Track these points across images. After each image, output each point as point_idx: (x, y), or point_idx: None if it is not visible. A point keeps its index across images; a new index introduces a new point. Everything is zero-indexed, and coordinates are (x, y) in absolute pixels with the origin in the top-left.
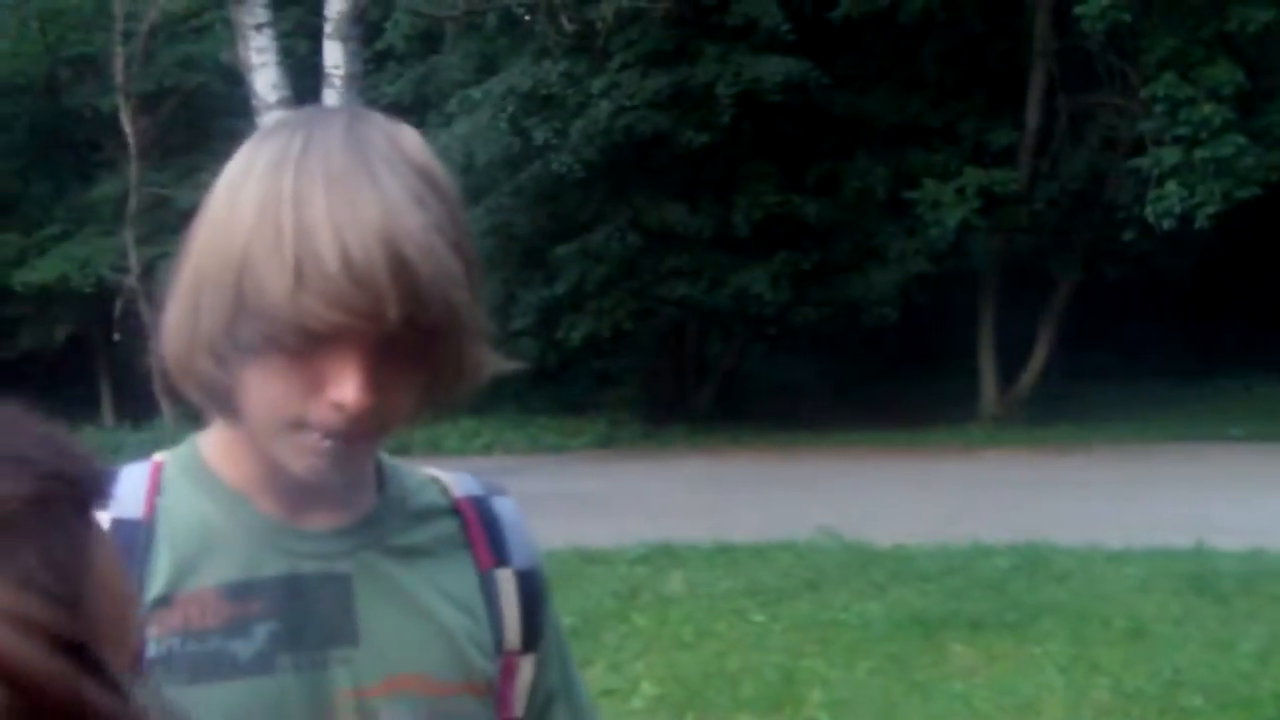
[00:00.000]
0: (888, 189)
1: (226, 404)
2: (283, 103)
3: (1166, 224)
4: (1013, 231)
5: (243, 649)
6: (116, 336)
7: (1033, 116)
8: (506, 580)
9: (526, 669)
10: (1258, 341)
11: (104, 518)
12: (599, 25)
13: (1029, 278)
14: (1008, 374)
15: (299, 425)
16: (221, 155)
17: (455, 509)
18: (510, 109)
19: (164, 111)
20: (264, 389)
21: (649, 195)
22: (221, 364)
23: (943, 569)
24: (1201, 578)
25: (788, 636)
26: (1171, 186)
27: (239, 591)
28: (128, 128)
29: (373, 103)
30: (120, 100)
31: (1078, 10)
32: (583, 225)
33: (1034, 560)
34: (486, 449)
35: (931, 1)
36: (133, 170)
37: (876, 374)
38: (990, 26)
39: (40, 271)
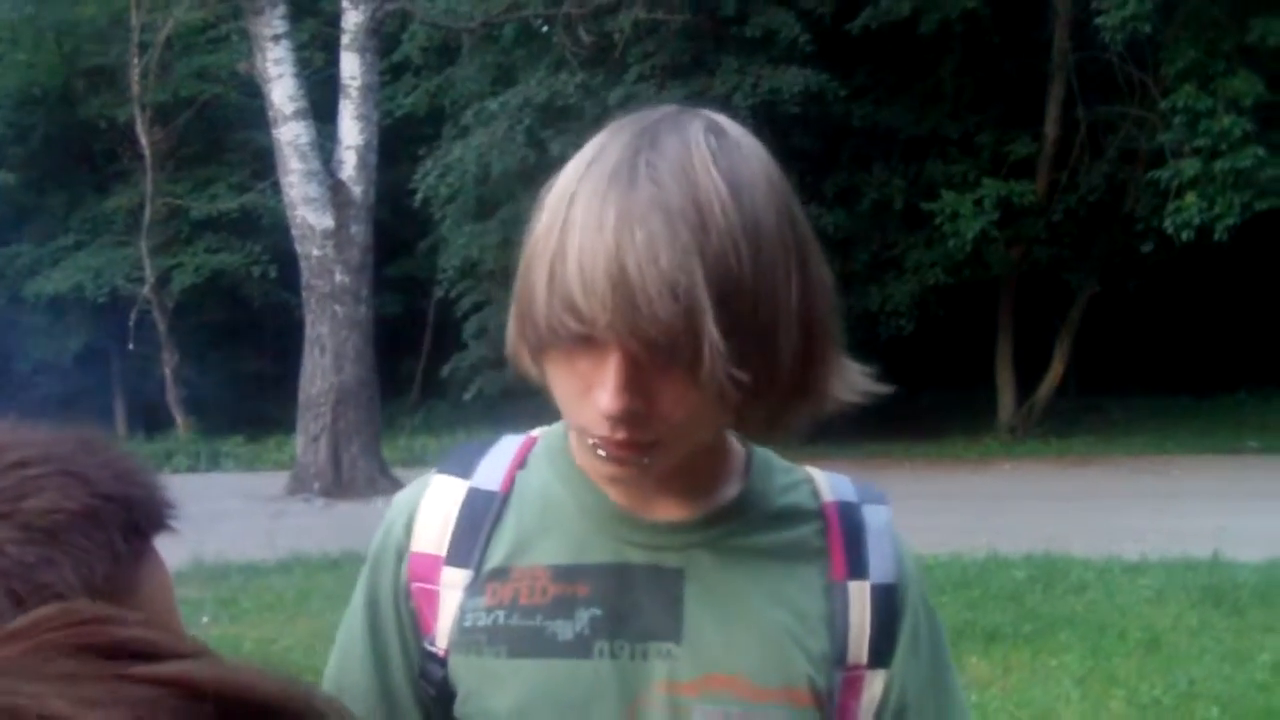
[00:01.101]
0: (905, 200)
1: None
2: (299, 114)
3: (1185, 236)
4: (1031, 243)
5: (564, 630)
6: (130, 346)
7: (1052, 128)
8: (860, 593)
9: (876, 685)
10: (1276, 354)
11: (462, 486)
12: (616, 37)
13: (1047, 289)
14: (1025, 386)
15: (584, 430)
16: (237, 166)
17: (821, 512)
18: (527, 121)
19: (179, 122)
20: (558, 389)
21: None
22: (536, 362)
23: (959, 580)
24: (1218, 589)
25: None
26: (1190, 198)
27: (570, 573)
28: (143, 138)
29: (388, 114)
30: (136, 111)
31: (1098, 21)
32: None
33: (1050, 572)
34: None
35: (950, 13)
36: (148, 181)
37: (893, 385)
38: (1009, 38)
39: (54, 282)
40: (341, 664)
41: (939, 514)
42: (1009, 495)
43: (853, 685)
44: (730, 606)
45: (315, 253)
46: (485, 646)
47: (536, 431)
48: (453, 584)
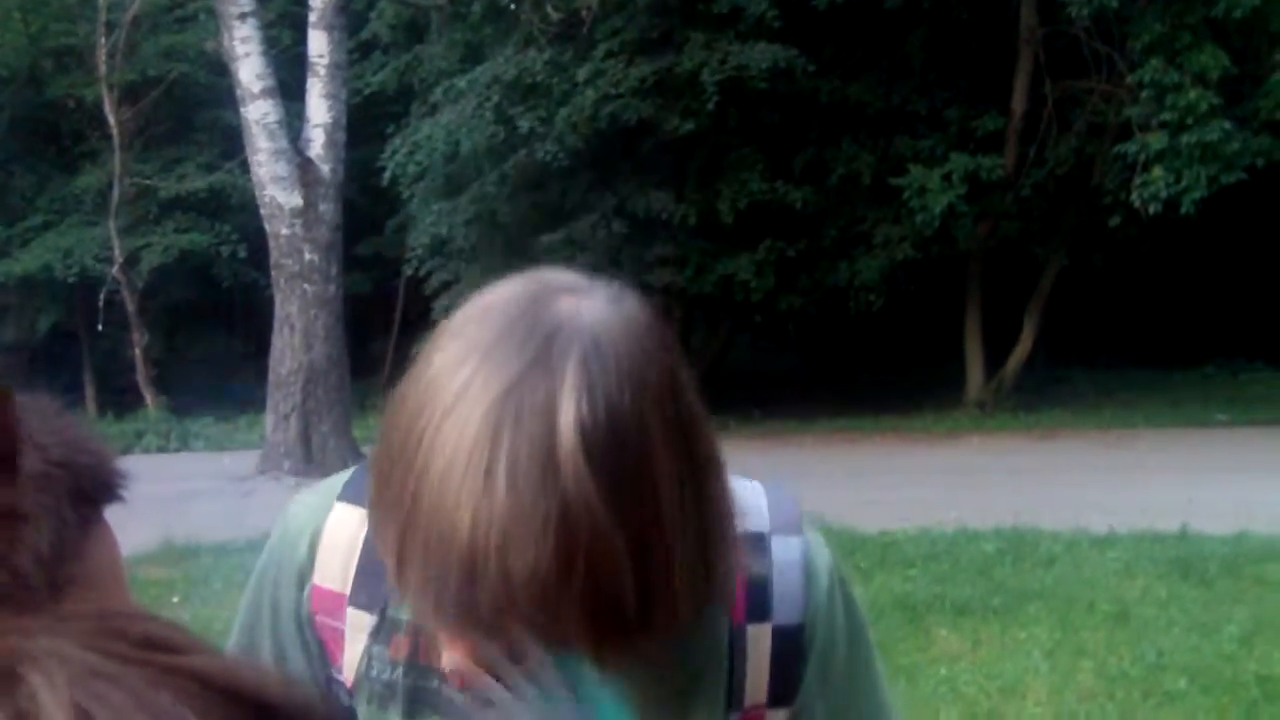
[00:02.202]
0: (873, 175)
1: None
2: (266, 92)
3: (1153, 209)
4: (999, 217)
5: (458, 694)
6: (100, 327)
7: (1019, 102)
8: (760, 636)
9: (779, 718)
10: (1244, 327)
11: (363, 519)
12: (584, 13)
13: (1015, 263)
14: (994, 360)
15: None
16: (205, 145)
17: None
18: (495, 98)
19: (147, 102)
20: None
21: (634, 183)
22: None
23: (928, 554)
24: (1186, 561)
25: None
26: (1158, 172)
27: None
28: (111, 118)
29: (357, 93)
30: (104, 90)
31: None
32: (567, 213)
33: (1019, 545)
34: None
35: None
36: (116, 160)
37: (862, 361)
38: (976, 13)
39: (23, 262)
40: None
41: (908, 488)
42: (978, 469)
43: None
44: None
45: (284, 231)
46: (386, 702)
47: None
48: (358, 625)
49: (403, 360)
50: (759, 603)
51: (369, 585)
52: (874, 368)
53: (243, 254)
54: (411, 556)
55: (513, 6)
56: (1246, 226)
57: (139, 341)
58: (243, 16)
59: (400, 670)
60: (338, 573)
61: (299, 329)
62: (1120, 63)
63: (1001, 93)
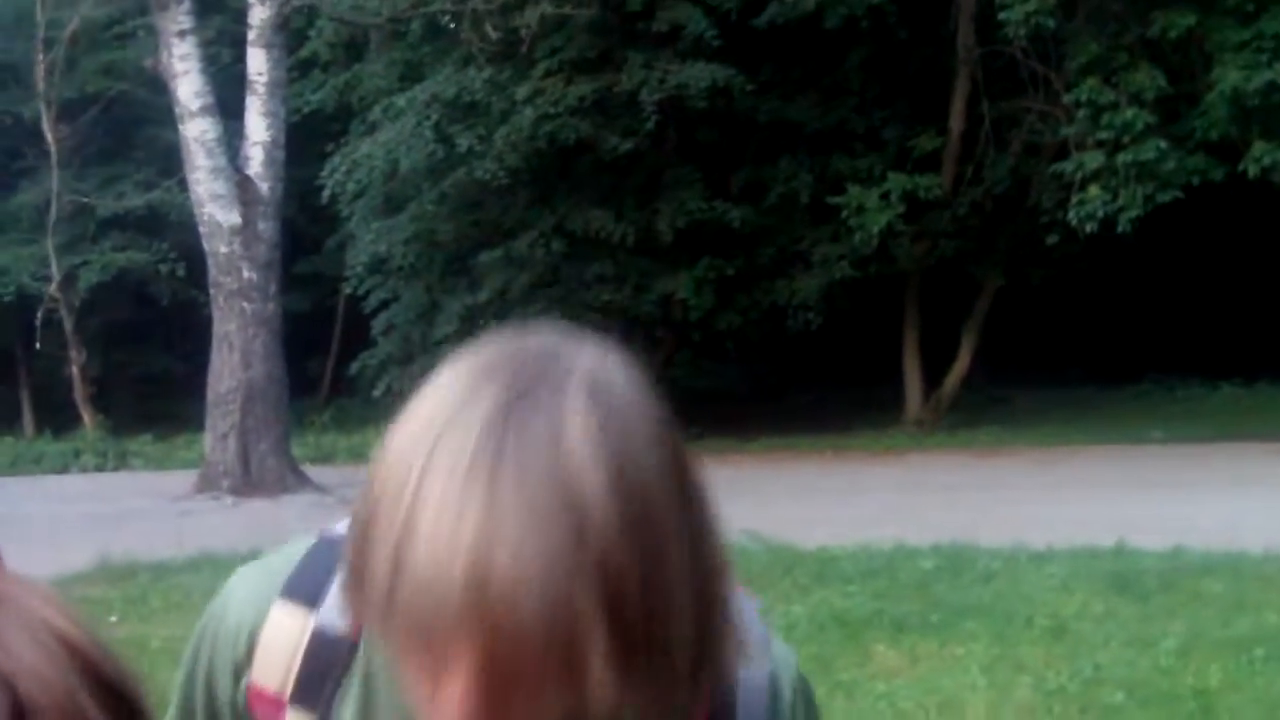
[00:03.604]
0: (812, 194)
1: None
2: (205, 110)
3: (1090, 228)
4: (937, 236)
5: None
6: (37, 345)
7: (956, 122)
8: None
9: None
10: (1179, 345)
11: (307, 620)
12: (524, 32)
13: (953, 282)
14: (932, 378)
15: None
16: (144, 163)
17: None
18: (434, 116)
19: (86, 119)
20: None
21: (573, 202)
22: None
23: (866, 571)
24: (1123, 576)
25: None
26: (1094, 190)
27: None
28: (49, 135)
29: (296, 111)
30: (41, 107)
31: (1001, 16)
32: (506, 232)
33: (957, 561)
34: None
35: (856, 8)
36: (54, 178)
37: (801, 379)
38: (914, 33)
39: None
40: None
41: (847, 505)
42: (916, 486)
43: None
44: None
45: (223, 249)
46: None
47: None
48: None
49: (341, 379)
50: None
51: (311, 689)
52: (813, 386)
53: (181, 272)
54: (408, 562)
55: (452, 25)
56: (1182, 245)
57: (77, 360)
58: (182, 34)
59: None
60: (277, 674)
61: (238, 347)
62: (1057, 82)
63: (939, 112)
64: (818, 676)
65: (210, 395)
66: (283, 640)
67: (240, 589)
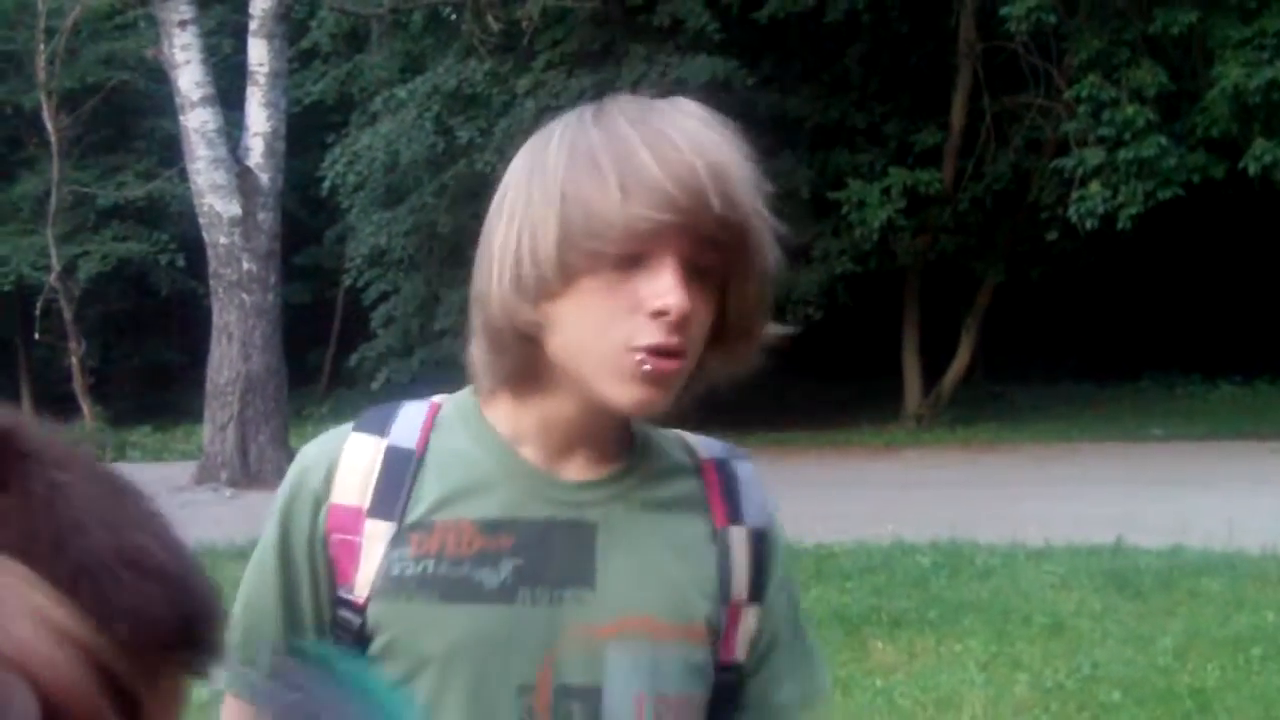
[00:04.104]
0: (812, 189)
1: (530, 362)
2: (206, 100)
3: (1090, 224)
4: (937, 232)
5: (489, 578)
6: (36, 335)
7: (958, 117)
8: (739, 537)
9: (750, 618)
10: (1179, 342)
11: (379, 443)
12: (525, 24)
13: (953, 278)
14: (932, 374)
15: (625, 348)
16: (144, 153)
17: (699, 469)
18: (435, 108)
19: (86, 109)
20: (587, 317)
21: None
22: (536, 308)
23: (865, 567)
24: (1121, 575)
25: None
26: (1095, 187)
27: (495, 527)
28: (50, 125)
29: (297, 102)
30: (42, 97)
31: (1003, 11)
32: None
33: (955, 558)
34: None
35: (857, 2)
36: (54, 168)
37: (800, 374)
38: (916, 28)
39: None
40: (251, 601)
41: (845, 501)
42: (915, 483)
43: (734, 618)
44: (636, 555)
45: (222, 240)
46: (415, 593)
47: (438, 398)
48: (375, 535)
49: (340, 371)
50: (734, 509)
51: (387, 499)
52: (812, 381)
53: (181, 263)
54: (637, 175)
55: (453, 17)
56: (1183, 242)
57: (76, 350)
58: (183, 24)
59: (430, 563)
60: (356, 489)
61: (237, 338)
62: (1058, 78)
63: (940, 108)
64: None
65: (209, 386)
66: (361, 461)
67: (312, 448)
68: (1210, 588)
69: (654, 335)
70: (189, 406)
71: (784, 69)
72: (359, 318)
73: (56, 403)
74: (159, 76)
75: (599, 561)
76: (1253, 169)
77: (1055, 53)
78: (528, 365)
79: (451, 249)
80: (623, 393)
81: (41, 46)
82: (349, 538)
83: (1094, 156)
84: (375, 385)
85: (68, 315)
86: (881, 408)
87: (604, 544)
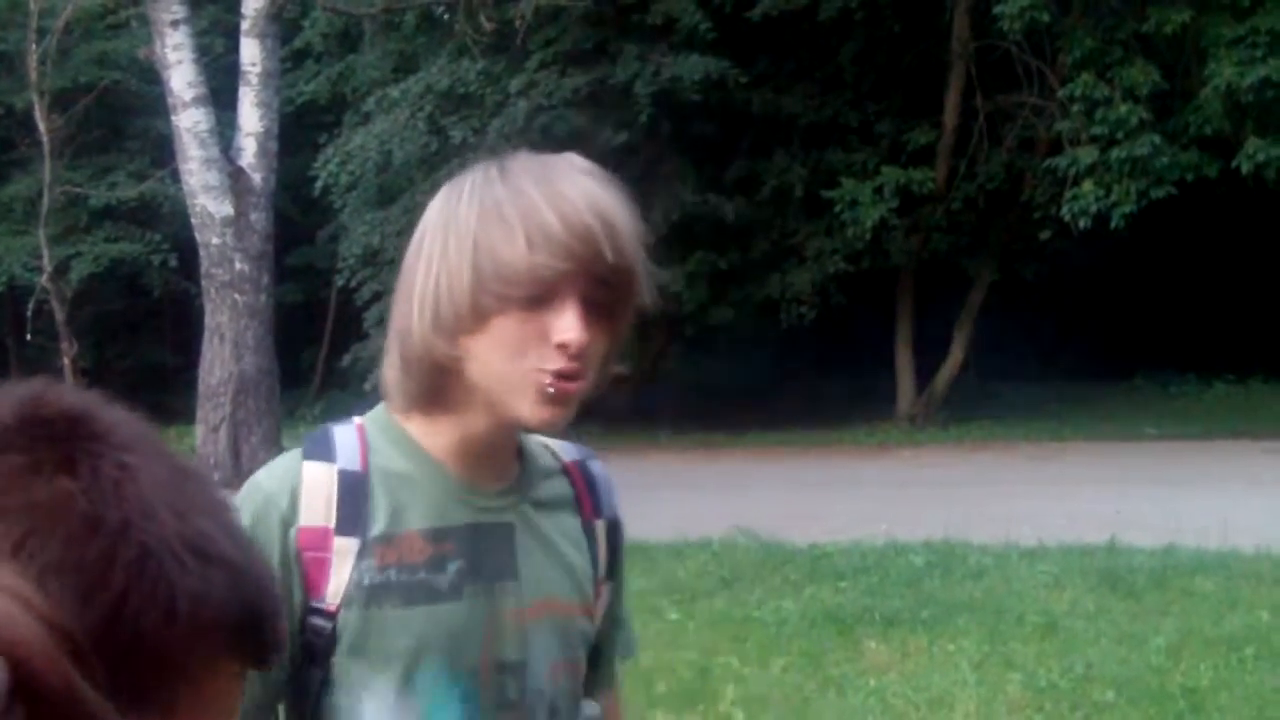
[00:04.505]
0: (805, 188)
1: (445, 387)
2: (198, 100)
3: (1083, 223)
4: (930, 231)
5: (440, 580)
6: (28, 336)
7: (951, 116)
8: (601, 527)
9: (606, 593)
10: (1173, 341)
11: (331, 468)
12: (518, 23)
13: (946, 277)
14: (925, 373)
15: (533, 373)
16: (137, 153)
17: (565, 470)
18: (428, 108)
19: (79, 109)
20: (500, 348)
21: None
22: (453, 343)
23: (858, 567)
24: (1114, 574)
25: (703, 634)
26: (1088, 186)
27: (438, 535)
28: (41, 125)
29: (289, 101)
30: (34, 97)
31: (996, 10)
32: None
33: (949, 558)
34: None
35: (850, 1)
36: (46, 168)
37: (794, 373)
38: (909, 26)
39: None
40: None
41: (838, 501)
42: (908, 482)
43: (598, 594)
44: (543, 547)
45: (215, 241)
46: (384, 599)
47: (358, 420)
48: (344, 551)
49: (333, 372)
50: (595, 502)
51: (350, 517)
52: (805, 380)
53: (173, 263)
54: (539, 227)
55: (446, 16)
56: (1176, 241)
57: (68, 351)
58: (175, 24)
59: (392, 572)
60: (320, 513)
61: (229, 339)
62: (1051, 77)
63: (933, 106)
64: (808, 672)
65: (201, 387)
66: (320, 486)
67: (267, 477)
68: (1204, 587)
69: (558, 362)
70: (182, 407)
71: (777, 68)
72: (351, 318)
73: None
74: (151, 76)
75: (519, 555)
76: (1246, 167)
77: (1048, 52)
78: (440, 390)
79: None
80: (532, 411)
81: (33, 46)
82: (320, 554)
83: (1087, 155)
84: (367, 386)
85: (60, 316)
86: (874, 407)
87: (520, 540)
